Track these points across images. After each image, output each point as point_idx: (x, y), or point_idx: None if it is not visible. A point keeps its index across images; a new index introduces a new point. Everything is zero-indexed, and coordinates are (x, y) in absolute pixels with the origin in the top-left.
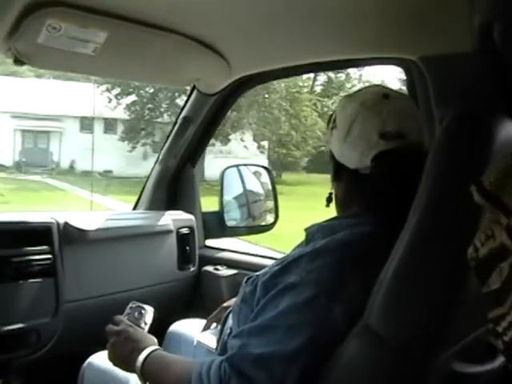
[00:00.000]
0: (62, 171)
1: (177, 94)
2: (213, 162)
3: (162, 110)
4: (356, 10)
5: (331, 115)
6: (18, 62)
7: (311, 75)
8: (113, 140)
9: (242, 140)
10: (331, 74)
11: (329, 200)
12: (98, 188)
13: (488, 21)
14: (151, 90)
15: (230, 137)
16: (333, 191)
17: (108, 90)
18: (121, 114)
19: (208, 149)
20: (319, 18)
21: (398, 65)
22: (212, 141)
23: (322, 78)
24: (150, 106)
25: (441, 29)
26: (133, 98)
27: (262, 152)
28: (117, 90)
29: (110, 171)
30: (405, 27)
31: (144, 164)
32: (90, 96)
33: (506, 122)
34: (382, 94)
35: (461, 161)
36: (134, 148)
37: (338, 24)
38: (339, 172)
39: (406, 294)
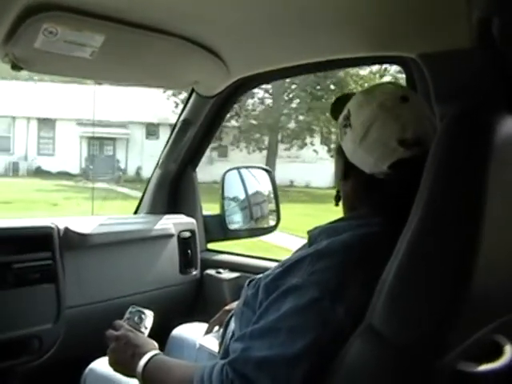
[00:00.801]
0: (130, 178)
1: (244, 98)
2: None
3: (229, 114)
4: (354, 9)
5: (336, 105)
6: (16, 67)
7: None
8: None
9: (311, 144)
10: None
11: (337, 199)
12: None
13: (486, 17)
14: None
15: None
16: (339, 189)
17: (174, 95)
18: None
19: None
20: (317, 17)
21: (398, 63)
22: (285, 146)
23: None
24: None
25: (440, 25)
26: None
27: (331, 156)
28: (184, 94)
29: None
30: (403, 25)
31: (210, 169)
32: (155, 102)
33: (506, 117)
34: (400, 96)
35: (461, 158)
36: None
37: (337, 23)
38: (348, 171)
39: (408, 293)
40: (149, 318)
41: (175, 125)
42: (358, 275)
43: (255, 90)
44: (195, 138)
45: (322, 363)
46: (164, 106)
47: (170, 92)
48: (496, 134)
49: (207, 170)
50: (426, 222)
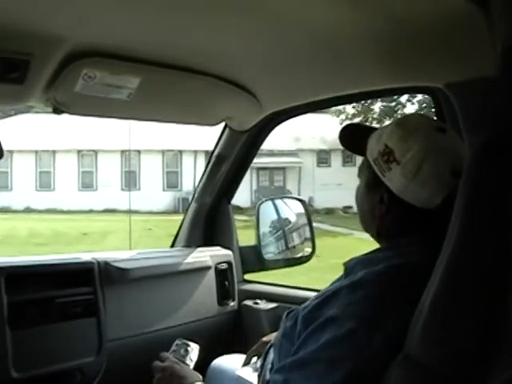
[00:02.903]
0: None
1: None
2: None
3: None
4: (382, 41)
5: (346, 135)
6: (57, 110)
7: None
8: (351, 173)
9: None
10: None
11: (380, 237)
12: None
13: (509, 46)
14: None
15: None
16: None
17: (348, 118)
18: None
19: None
20: (345, 50)
21: (425, 92)
22: None
23: None
24: None
25: (466, 55)
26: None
27: None
28: (358, 118)
29: (350, 207)
30: (430, 55)
31: None
32: (324, 127)
33: None
34: (436, 127)
35: (491, 186)
36: None
37: (366, 56)
38: (393, 206)
39: (446, 321)
40: (194, 350)
41: (209, 159)
42: (394, 305)
43: None
44: (229, 171)
45: None
46: (333, 129)
47: (343, 116)
48: None
49: None
50: (461, 252)
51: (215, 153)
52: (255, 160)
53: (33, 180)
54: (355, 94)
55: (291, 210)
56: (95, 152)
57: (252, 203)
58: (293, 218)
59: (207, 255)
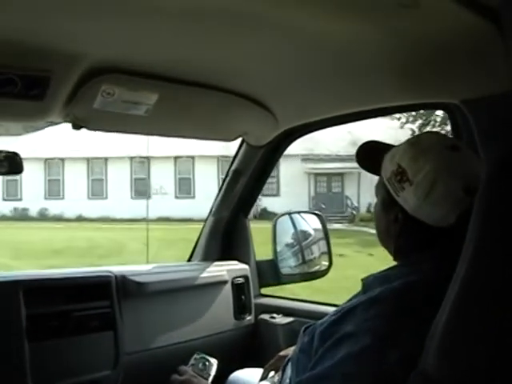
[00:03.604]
0: (365, 217)
1: None
2: None
3: None
4: (398, 60)
5: (371, 158)
6: (76, 126)
7: None
8: None
9: None
10: None
11: (396, 255)
12: None
13: None
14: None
15: None
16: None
17: (409, 121)
18: None
19: None
20: (362, 66)
21: (442, 108)
22: None
23: None
24: None
25: (481, 70)
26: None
27: None
28: (419, 121)
29: None
30: (444, 72)
31: None
32: (383, 132)
33: None
34: (450, 145)
35: (506, 205)
36: None
37: (383, 72)
38: (408, 225)
39: (459, 340)
40: (213, 365)
41: (227, 174)
42: (410, 322)
43: None
44: (246, 186)
45: None
46: (392, 134)
47: (404, 119)
48: None
49: None
50: (475, 270)
51: (232, 168)
52: (313, 165)
53: (85, 188)
54: (371, 110)
55: (308, 224)
56: (148, 159)
57: (310, 210)
58: (310, 233)
59: (224, 269)
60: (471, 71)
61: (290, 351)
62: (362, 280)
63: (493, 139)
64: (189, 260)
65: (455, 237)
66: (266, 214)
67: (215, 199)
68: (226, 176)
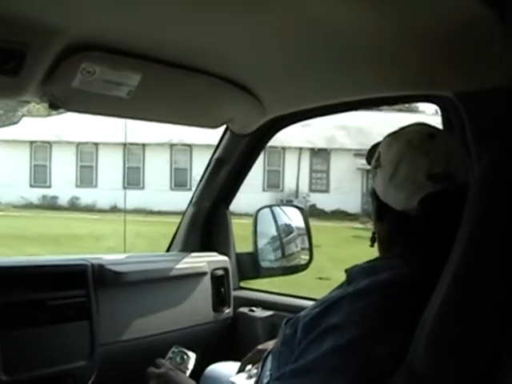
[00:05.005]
0: None
1: None
2: None
3: None
4: (391, 48)
5: (371, 151)
6: (53, 106)
7: None
8: None
9: None
10: None
11: (373, 240)
12: None
13: None
14: None
15: None
16: (375, 231)
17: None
18: None
19: None
20: (354, 56)
21: (434, 102)
22: None
23: None
24: None
25: (476, 65)
26: None
27: None
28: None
29: None
30: (440, 64)
31: None
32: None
33: None
34: (428, 133)
35: (501, 199)
36: None
37: (374, 62)
38: (382, 211)
39: (450, 335)
40: (191, 359)
41: (209, 163)
42: (397, 315)
43: None
44: (229, 176)
45: None
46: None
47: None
48: None
49: None
50: (468, 263)
51: (215, 156)
52: (362, 161)
53: (120, 176)
54: (363, 101)
55: (289, 217)
56: (190, 146)
57: (362, 209)
58: (291, 226)
59: (203, 261)
60: (467, 64)
61: (269, 345)
62: (346, 271)
63: (485, 134)
64: (167, 250)
65: (423, 223)
66: (315, 212)
67: (196, 188)
68: (209, 165)
